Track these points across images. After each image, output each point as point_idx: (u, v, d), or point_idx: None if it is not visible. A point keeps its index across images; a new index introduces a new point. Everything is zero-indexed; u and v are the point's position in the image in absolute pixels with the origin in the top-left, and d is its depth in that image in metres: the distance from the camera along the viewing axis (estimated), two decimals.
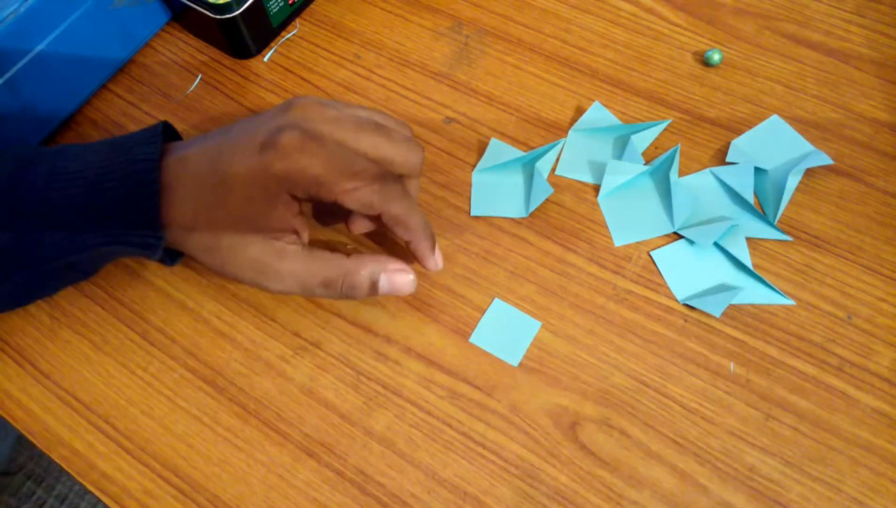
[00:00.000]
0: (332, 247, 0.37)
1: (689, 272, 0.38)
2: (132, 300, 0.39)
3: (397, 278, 0.34)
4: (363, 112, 0.34)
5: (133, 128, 0.44)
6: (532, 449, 0.34)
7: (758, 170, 0.40)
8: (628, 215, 0.40)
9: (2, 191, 0.31)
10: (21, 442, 0.61)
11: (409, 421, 0.35)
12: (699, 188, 0.40)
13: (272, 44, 0.47)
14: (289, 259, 0.33)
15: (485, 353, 0.37)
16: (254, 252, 0.32)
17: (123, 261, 0.40)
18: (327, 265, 0.33)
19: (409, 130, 0.36)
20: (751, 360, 0.36)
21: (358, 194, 0.31)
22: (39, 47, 0.40)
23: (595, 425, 0.35)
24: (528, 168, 0.41)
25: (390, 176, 0.32)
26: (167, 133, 0.36)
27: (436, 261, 0.35)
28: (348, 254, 0.34)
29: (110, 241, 0.32)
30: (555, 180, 0.41)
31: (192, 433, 0.35)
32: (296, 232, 0.33)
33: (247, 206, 0.31)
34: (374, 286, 0.34)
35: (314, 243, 0.38)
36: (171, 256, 0.36)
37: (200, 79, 0.46)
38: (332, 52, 0.47)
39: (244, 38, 0.45)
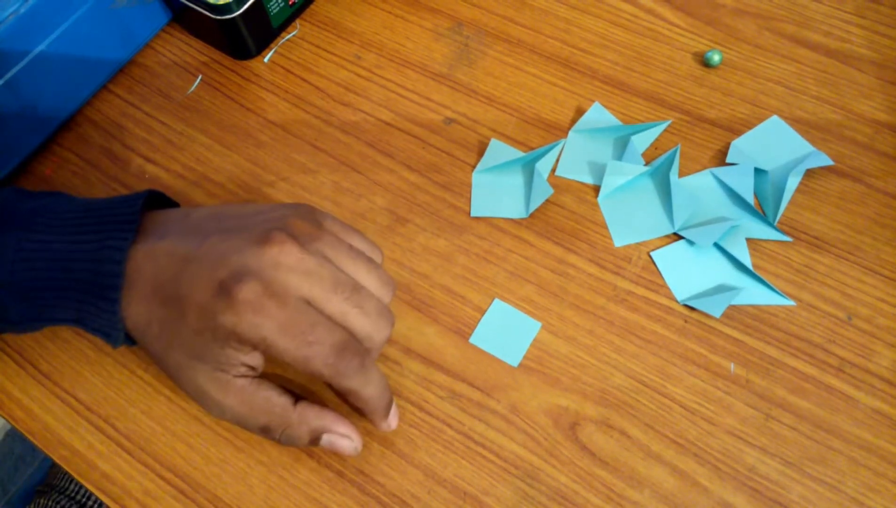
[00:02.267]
0: (287, 381, 0.34)
1: (689, 273, 0.38)
2: None
3: (341, 442, 0.32)
4: (350, 263, 0.31)
5: (133, 128, 0.44)
6: (532, 449, 0.34)
7: (758, 171, 0.40)
8: (628, 215, 0.40)
9: None
10: (55, 466, 0.61)
11: (408, 421, 0.35)
12: (699, 189, 0.40)
13: (272, 44, 0.47)
14: (232, 394, 0.30)
15: (485, 353, 0.37)
16: (198, 379, 0.30)
17: None
18: (269, 412, 0.31)
19: (389, 291, 0.32)
20: (751, 360, 0.36)
21: (308, 364, 0.28)
22: (40, 48, 0.40)
23: (595, 425, 0.35)
24: (528, 169, 0.41)
25: (349, 348, 0.29)
26: (153, 198, 0.34)
27: (388, 424, 0.33)
28: (296, 401, 0.31)
29: (72, 321, 0.32)
30: (555, 181, 0.41)
31: (192, 433, 0.35)
32: (246, 365, 0.30)
33: (195, 338, 0.29)
34: (314, 442, 0.32)
35: None
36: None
37: (200, 79, 0.46)
38: (333, 53, 0.47)
39: (244, 38, 0.45)
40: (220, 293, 0.28)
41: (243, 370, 0.30)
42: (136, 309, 0.31)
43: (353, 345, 0.29)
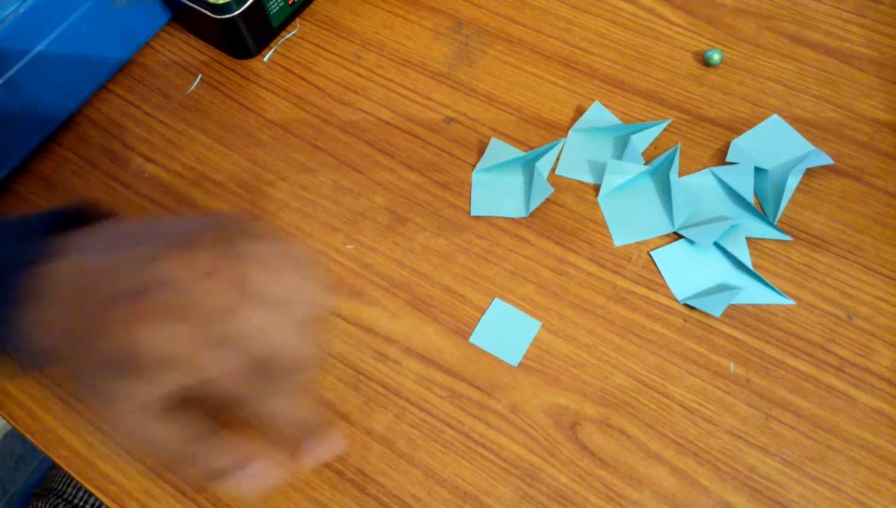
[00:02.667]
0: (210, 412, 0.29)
1: (689, 272, 0.38)
2: None
3: (254, 482, 0.27)
4: (266, 275, 0.27)
5: (133, 127, 0.44)
6: (532, 449, 0.34)
7: (758, 170, 0.40)
8: (628, 214, 0.40)
9: None
10: (53, 468, 0.61)
11: (408, 421, 0.35)
12: (699, 188, 0.40)
13: (272, 44, 0.47)
14: (135, 425, 0.27)
15: (485, 353, 0.37)
16: (105, 407, 0.27)
17: None
18: (172, 446, 0.27)
19: (311, 306, 0.29)
20: (751, 360, 0.36)
21: (210, 382, 0.25)
22: (39, 47, 0.40)
23: (595, 425, 0.35)
24: (528, 168, 0.41)
25: (258, 365, 0.26)
26: (84, 214, 0.31)
27: (302, 459, 0.28)
28: (216, 429, 0.28)
29: None
30: (555, 180, 0.41)
31: None
32: (151, 391, 0.26)
33: (100, 358, 0.26)
34: (220, 479, 0.27)
35: None
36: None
37: (200, 79, 0.46)
38: (333, 52, 0.47)
39: (244, 38, 0.45)
40: (122, 305, 0.25)
41: (148, 397, 0.26)
42: (44, 330, 0.28)
43: (263, 362, 0.26)
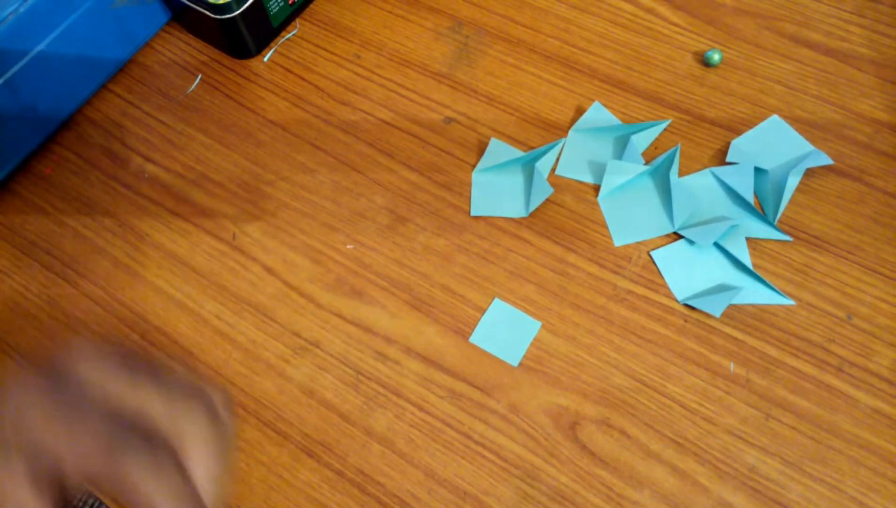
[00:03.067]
0: None
1: (689, 272, 0.38)
2: (132, 300, 0.39)
3: None
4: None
5: (132, 127, 0.44)
6: (532, 449, 0.34)
7: (758, 170, 0.40)
8: (628, 215, 0.40)
9: None
10: None
11: (409, 421, 0.35)
12: (699, 188, 0.40)
13: (272, 44, 0.47)
14: None
15: (485, 353, 0.37)
16: None
17: (123, 261, 0.40)
18: None
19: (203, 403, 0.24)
20: (751, 360, 0.36)
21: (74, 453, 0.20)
22: (39, 47, 0.40)
23: (595, 425, 0.35)
24: (528, 168, 0.41)
25: (135, 438, 0.21)
26: None
27: None
28: None
29: None
30: (555, 180, 0.41)
31: None
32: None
33: None
34: None
35: None
36: None
37: (200, 79, 0.46)
38: (332, 52, 0.47)
39: (244, 38, 0.45)
40: None
41: None
42: None
43: (145, 438, 0.21)
